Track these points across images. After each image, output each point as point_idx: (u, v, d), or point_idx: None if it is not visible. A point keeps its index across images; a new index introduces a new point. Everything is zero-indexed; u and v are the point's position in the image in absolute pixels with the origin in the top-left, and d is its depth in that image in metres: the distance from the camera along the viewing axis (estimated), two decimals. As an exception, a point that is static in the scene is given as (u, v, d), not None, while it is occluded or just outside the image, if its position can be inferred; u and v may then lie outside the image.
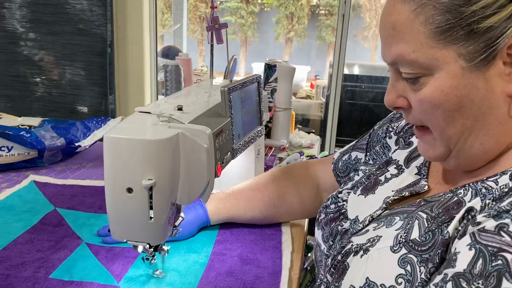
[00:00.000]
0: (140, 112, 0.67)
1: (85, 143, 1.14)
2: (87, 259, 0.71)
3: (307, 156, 1.25)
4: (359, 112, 3.02)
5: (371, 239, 0.54)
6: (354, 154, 0.79)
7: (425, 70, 0.48)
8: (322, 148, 2.22)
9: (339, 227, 0.62)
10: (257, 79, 0.88)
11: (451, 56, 0.47)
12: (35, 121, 1.22)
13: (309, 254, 1.02)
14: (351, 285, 0.51)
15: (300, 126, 1.64)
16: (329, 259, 0.60)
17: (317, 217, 0.70)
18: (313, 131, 1.52)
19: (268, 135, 1.37)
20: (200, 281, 0.66)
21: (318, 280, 0.64)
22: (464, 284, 0.40)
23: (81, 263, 0.69)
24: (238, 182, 1.00)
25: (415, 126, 0.56)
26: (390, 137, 0.72)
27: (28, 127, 1.14)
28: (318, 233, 0.67)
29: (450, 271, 0.42)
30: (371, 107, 3.03)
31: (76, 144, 1.12)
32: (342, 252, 0.56)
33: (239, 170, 0.99)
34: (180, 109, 0.67)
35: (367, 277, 0.50)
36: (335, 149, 2.21)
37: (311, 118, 3.02)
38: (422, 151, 0.56)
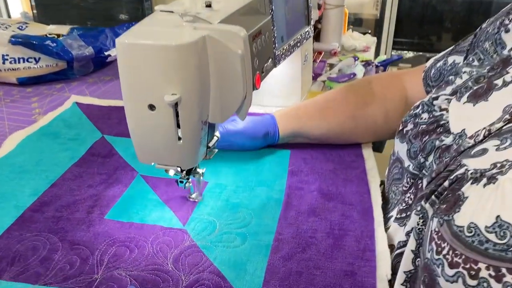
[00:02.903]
0: (162, 11, 0.55)
1: (115, 51, 1.05)
2: (145, 195, 0.62)
3: (362, 61, 1.10)
4: (420, 9, 2.67)
5: (498, 164, 0.40)
6: (451, 59, 0.64)
7: None
8: (376, 52, 2.01)
9: (437, 142, 0.50)
10: (304, -34, 0.72)
11: None
12: (63, 29, 1.13)
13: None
14: (473, 222, 0.38)
15: (352, 27, 1.45)
16: (423, 181, 0.49)
17: (400, 127, 0.57)
18: (369, 31, 1.33)
19: (316, 37, 1.21)
20: (279, 224, 0.57)
21: (401, 204, 0.54)
22: None
23: (139, 200, 0.61)
24: (283, 93, 0.89)
25: None
26: (507, 31, 0.55)
27: (56, 36, 1.06)
28: (401, 146, 0.56)
29: None
30: (434, 3, 2.67)
31: (106, 53, 1.03)
32: (452, 177, 0.43)
33: (284, 80, 0.88)
34: (208, 5, 0.54)
35: (498, 216, 0.37)
36: (392, 52, 1.99)
37: (364, 18, 2.73)
38: None
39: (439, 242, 0.40)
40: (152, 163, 0.54)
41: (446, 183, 0.43)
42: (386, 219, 0.58)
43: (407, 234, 0.48)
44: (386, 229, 0.56)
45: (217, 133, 0.59)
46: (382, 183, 0.81)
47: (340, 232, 0.55)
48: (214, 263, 0.51)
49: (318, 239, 0.54)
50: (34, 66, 0.96)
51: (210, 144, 0.57)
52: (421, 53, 2.45)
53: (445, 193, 0.42)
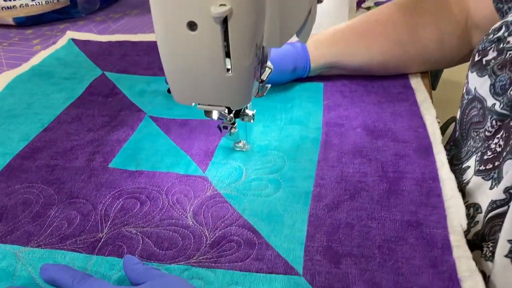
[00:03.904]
0: None
1: (125, -17, 0.90)
2: (156, 138, 0.53)
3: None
4: None
5: None
6: None
7: None
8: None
9: None
10: None
11: None
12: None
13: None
14: None
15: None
16: None
17: (478, 57, 0.45)
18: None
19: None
20: (318, 166, 0.47)
21: (486, 153, 0.42)
22: None
23: (149, 145, 0.52)
24: (328, 22, 0.75)
25: None
26: None
27: (54, -31, 0.91)
28: (480, 81, 0.44)
29: None
30: None
31: (114, -15, 0.89)
32: None
33: (329, 7, 0.74)
34: None
35: None
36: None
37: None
38: None
39: None
40: (193, 104, 0.42)
41: None
42: (460, 170, 0.47)
43: (507, 191, 0.37)
44: (464, 184, 0.45)
45: (269, 64, 0.47)
46: (451, 120, 0.69)
47: (396, 175, 0.45)
48: (243, 215, 0.42)
49: (369, 184, 0.44)
50: (32, 3, 0.82)
51: (263, 77, 0.45)
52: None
53: None
